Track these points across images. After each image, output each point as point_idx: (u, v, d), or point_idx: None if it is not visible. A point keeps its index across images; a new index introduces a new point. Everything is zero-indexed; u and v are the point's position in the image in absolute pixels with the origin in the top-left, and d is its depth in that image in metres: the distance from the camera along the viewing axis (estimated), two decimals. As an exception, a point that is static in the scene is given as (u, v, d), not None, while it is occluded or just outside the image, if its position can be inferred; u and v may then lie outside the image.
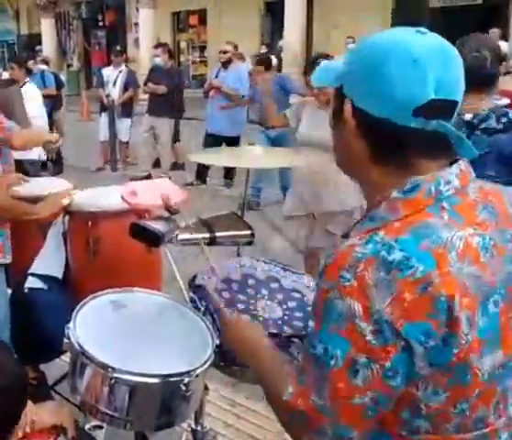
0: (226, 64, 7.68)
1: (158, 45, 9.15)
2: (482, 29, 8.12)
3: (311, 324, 1.00)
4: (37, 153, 5.27)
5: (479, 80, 2.30)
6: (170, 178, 2.45)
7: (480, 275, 0.92)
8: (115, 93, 8.99)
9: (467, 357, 0.91)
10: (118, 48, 10.13)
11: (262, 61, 6.99)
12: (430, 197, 0.95)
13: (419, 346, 0.88)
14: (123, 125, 9.08)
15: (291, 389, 1.00)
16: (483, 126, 2.34)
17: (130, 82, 9.11)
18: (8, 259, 2.33)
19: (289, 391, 1.00)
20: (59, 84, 9.70)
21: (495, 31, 9.20)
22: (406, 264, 0.88)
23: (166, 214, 1.79)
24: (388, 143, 0.96)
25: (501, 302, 0.94)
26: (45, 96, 8.17)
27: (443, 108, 0.94)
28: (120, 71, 9.14)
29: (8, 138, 2.29)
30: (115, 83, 9.05)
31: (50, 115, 8.62)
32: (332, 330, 0.92)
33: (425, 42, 0.94)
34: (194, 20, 19.96)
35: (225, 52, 7.66)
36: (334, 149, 1.09)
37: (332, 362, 0.92)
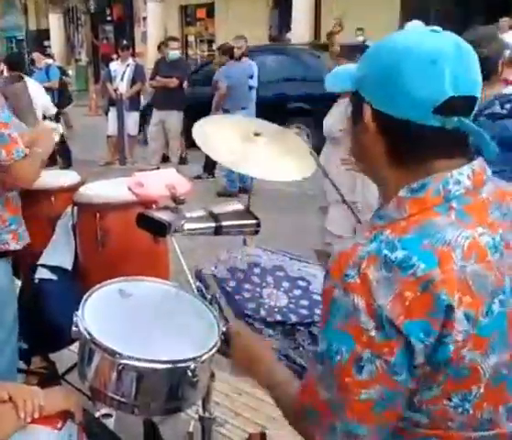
0: (238, 59, 7.72)
1: (170, 38, 9.20)
2: (492, 18, 8.11)
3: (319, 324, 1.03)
4: None
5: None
6: (177, 171, 2.47)
7: (485, 274, 0.92)
8: (123, 86, 9.03)
9: (464, 354, 0.91)
10: (125, 42, 10.17)
11: (226, 51, 7.64)
12: (439, 196, 0.96)
13: (419, 344, 0.89)
14: (131, 118, 9.13)
15: (298, 386, 1.04)
16: (487, 112, 2.37)
17: (138, 76, 9.15)
18: (20, 246, 2.35)
19: (297, 390, 1.04)
20: (62, 77, 9.73)
21: (505, 20, 9.11)
22: (407, 263, 0.89)
23: (172, 204, 1.81)
24: (407, 143, 0.98)
25: (509, 303, 0.94)
26: (48, 89, 8.26)
27: (462, 105, 0.95)
28: (128, 65, 9.18)
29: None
30: (122, 78, 9.10)
31: (57, 109, 8.69)
32: (337, 326, 0.94)
33: (440, 41, 0.96)
34: (201, 13, 19.93)
35: (239, 48, 7.71)
36: (352, 149, 1.12)
37: (338, 357, 0.94)
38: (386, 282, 0.89)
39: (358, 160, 1.13)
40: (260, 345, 1.36)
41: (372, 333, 0.90)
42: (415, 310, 0.88)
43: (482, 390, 0.94)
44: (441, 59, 0.93)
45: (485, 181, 1.00)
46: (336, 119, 3.62)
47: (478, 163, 1.00)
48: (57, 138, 2.48)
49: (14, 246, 2.31)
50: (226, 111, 7.28)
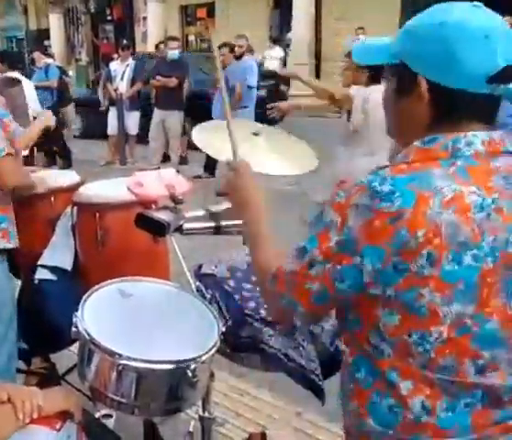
0: (238, 57, 7.71)
1: (169, 38, 9.19)
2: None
3: None
4: None
5: None
6: (178, 171, 2.47)
7: (459, 225, 0.98)
8: (123, 86, 9.02)
9: (424, 293, 0.99)
10: (125, 42, 10.17)
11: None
12: (446, 151, 1.03)
13: (369, 265, 1.01)
14: (131, 118, 9.12)
15: (275, 254, 1.20)
16: None
17: (138, 75, 9.13)
18: (12, 244, 2.34)
19: (273, 256, 1.20)
20: (62, 76, 9.71)
21: (507, 19, 9.09)
22: (388, 196, 0.99)
23: (172, 204, 1.81)
24: (456, 110, 1.06)
25: (485, 262, 0.99)
26: (47, 88, 8.26)
27: (509, 74, 1.03)
28: (127, 65, 9.17)
29: (12, 141, 2.33)
30: (122, 77, 9.09)
31: (56, 108, 8.69)
32: (313, 231, 1.09)
33: (487, 16, 1.05)
34: (202, 13, 19.92)
35: (240, 46, 7.70)
36: (392, 119, 1.19)
37: (303, 253, 1.09)
38: (364, 209, 1.00)
39: (399, 129, 1.18)
40: (255, 192, 1.35)
41: (333, 244, 1.04)
42: (376, 238, 0.99)
43: (444, 336, 1.01)
44: (493, 33, 1.02)
45: (502, 153, 1.05)
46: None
47: (499, 134, 1.06)
48: (53, 122, 2.55)
49: (4, 245, 2.31)
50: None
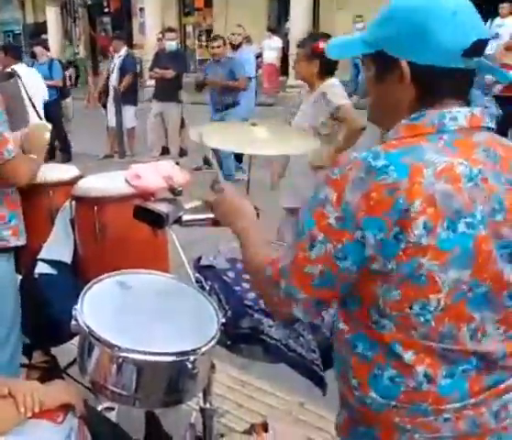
0: (236, 47, 7.65)
1: (167, 29, 9.09)
2: (492, 4, 8.05)
3: None
4: None
5: None
6: (177, 163, 2.46)
7: (452, 194, 1.02)
8: (114, 79, 8.85)
9: (423, 262, 1.02)
10: (116, 32, 9.94)
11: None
12: (433, 126, 1.08)
13: (371, 238, 1.02)
14: (127, 112, 8.97)
15: (270, 256, 1.21)
16: None
17: (127, 68, 8.79)
18: (22, 241, 2.34)
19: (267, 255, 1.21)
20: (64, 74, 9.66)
21: (505, 6, 9.06)
22: (383, 170, 1.02)
23: (170, 195, 1.80)
24: (436, 86, 1.11)
25: (479, 229, 1.03)
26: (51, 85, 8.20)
27: (480, 47, 1.09)
28: (119, 57, 8.98)
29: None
30: (113, 70, 8.93)
31: (59, 101, 8.66)
32: (308, 211, 1.10)
33: None
34: (200, 3, 19.80)
35: (239, 34, 7.63)
36: (376, 106, 1.23)
37: (300, 236, 1.10)
38: (361, 183, 1.03)
39: (381, 113, 1.22)
40: (242, 203, 1.42)
41: (332, 221, 1.05)
42: (375, 209, 1.01)
43: (442, 304, 1.04)
44: (460, 10, 1.08)
45: (482, 128, 1.11)
46: (312, 115, 3.51)
47: (480, 110, 1.12)
48: (47, 136, 2.48)
49: (14, 242, 2.30)
50: (226, 105, 7.24)
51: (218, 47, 7.42)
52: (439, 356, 1.08)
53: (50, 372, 2.74)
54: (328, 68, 3.54)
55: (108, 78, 9.09)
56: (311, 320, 1.74)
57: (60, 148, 8.73)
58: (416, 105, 1.12)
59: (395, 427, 1.12)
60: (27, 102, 5.16)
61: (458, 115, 1.09)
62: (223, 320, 1.68)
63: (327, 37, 3.57)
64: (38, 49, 9.33)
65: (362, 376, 1.13)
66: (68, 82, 10.19)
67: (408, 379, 1.08)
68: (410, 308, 1.05)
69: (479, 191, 1.04)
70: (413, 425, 1.11)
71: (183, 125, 8.65)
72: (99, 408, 2.29)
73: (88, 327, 1.52)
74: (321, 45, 3.37)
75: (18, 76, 5.00)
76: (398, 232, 1.01)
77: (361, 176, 1.03)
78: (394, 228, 1.01)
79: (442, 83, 1.10)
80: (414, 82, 1.12)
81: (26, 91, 5.73)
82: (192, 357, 1.49)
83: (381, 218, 1.01)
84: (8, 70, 6.23)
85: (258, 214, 2.02)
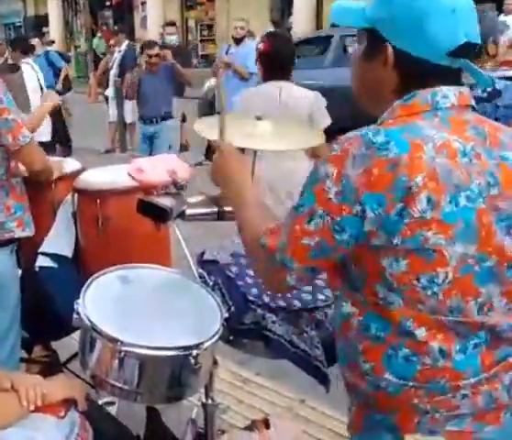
0: (238, 41, 7.59)
1: (168, 23, 9.04)
2: (497, 0, 8.00)
3: None
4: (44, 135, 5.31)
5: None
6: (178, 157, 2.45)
7: (452, 169, 1.04)
8: (114, 74, 8.81)
9: (429, 236, 1.02)
10: (117, 27, 9.91)
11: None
12: (427, 104, 1.10)
13: (371, 212, 1.03)
14: (127, 106, 8.93)
15: (267, 231, 1.18)
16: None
17: (127, 62, 8.61)
18: (27, 232, 2.34)
19: (265, 230, 1.18)
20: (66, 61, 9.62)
21: (510, 2, 9.00)
22: (384, 146, 1.03)
23: (174, 189, 1.79)
24: (418, 77, 1.12)
25: (478, 202, 1.05)
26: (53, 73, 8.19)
27: (470, 49, 1.11)
28: (120, 51, 8.95)
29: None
30: (113, 65, 8.91)
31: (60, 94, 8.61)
32: (308, 187, 1.11)
33: None
34: (202, -4, 19.70)
35: (242, 28, 7.56)
36: (359, 83, 1.24)
37: (300, 210, 1.10)
38: (362, 158, 1.03)
39: (365, 92, 1.23)
40: (238, 167, 1.38)
41: (332, 195, 1.05)
42: (377, 185, 1.02)
43: (450, 277, 1.05)
44: (459, 8, 1.09)
45: (469, 108, 1.14)
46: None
47: (467, 89, 1.15)
48: (58, 101, 2.57)
49: (19, 233, 2.30)
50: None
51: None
52: (451, 329, 1.07)
53: (51, 367, 2.74)
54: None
55: (108, 69, 9.07)
56: (303, 286, 1.77)
57: (61, 143, 8.71)
58: (402, 89, 1.13)
59: (415, 409, 1.11)
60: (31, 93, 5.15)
61: (448, 93, 1.11)
62: (226, 315, 1.67)
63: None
64: (35, 42, 9.30)
65: (376, 358, 1.12)
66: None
67: (424, 356, 1.08)
68: (417, 280, 1.05)
69: (473, 166, 1.06)
70: (432, 405, 1.09)
71: (184, 119, 8.62)
72: (100, 402, 2.28)
73: (90, 321, 1.51)
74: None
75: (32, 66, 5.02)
76: (402, 208, 1.01)
77: (362, 151, 1.04)
78: (397, 204, 1.01)
79: (427, 74, 1.12)
80: (397, 68, 1.13)
81: (39, 80, 5.74)
82: (195, 352, 1.48)
83: (381, 193, 1.02)
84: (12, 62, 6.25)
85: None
